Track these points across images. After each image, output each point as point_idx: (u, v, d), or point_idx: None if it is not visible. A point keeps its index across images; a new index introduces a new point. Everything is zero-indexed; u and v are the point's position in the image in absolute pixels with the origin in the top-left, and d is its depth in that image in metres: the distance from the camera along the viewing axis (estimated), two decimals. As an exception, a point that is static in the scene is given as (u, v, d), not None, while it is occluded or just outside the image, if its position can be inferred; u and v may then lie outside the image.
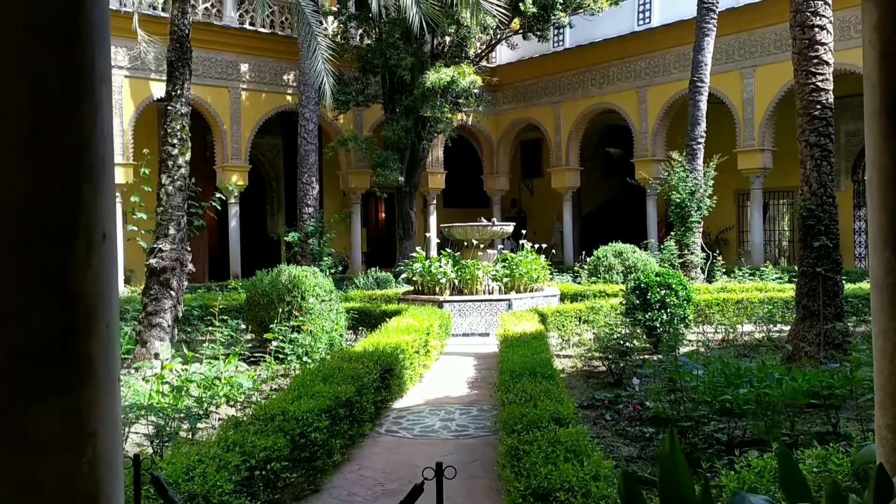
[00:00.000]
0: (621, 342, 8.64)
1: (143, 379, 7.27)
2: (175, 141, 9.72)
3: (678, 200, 16.11)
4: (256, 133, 20.79)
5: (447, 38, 20.12)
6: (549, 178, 25.15)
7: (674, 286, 10.26)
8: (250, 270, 15.50)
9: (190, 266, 9.80)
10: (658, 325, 9.99)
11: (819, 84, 8.77)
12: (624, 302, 10.78)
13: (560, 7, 19.38)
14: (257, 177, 23.28)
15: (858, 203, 20.92)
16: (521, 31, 20.62)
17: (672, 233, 16.64)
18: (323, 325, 9.57)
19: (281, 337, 8.94)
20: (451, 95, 19.05)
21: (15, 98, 1.16)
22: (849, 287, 11.27)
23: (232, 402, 7.22)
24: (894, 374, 2.05)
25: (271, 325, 9.30)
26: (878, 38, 2.08)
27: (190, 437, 5.93)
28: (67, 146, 1.21)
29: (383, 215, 27.40)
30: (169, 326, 9.39)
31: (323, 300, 10.23)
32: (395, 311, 11.20)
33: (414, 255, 14.46)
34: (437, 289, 13.13)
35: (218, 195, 11.38)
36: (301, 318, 9.53)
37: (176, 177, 9.67)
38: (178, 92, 9.85)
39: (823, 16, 8.80)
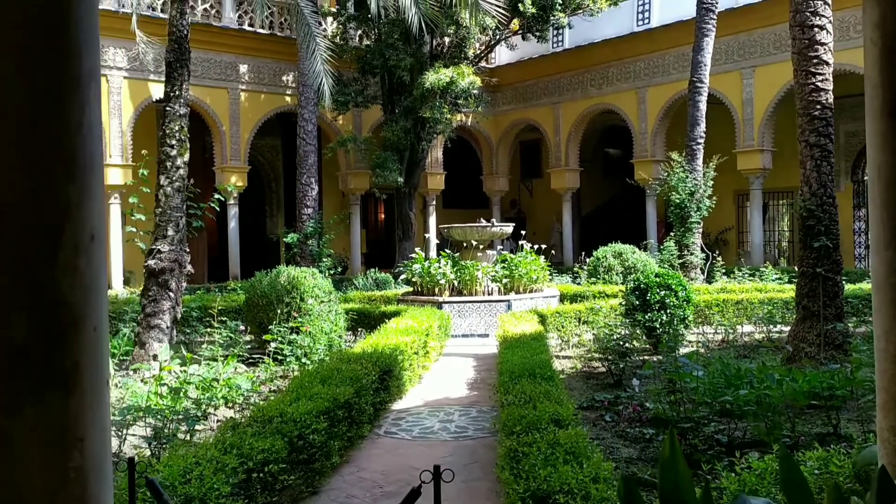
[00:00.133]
0: (621, 343, 8.61)
1: (142, 380, 7.24)
2: (173, 142, 9.70)
3: (678, 201, 16.10)
4: (255, 134, 20.78)
5: (446, 39, 20.11)
6: (548, 178, 25.14)
7: (673, 287, 10.25)
8: (249, 271, 15.49)
9: (189, 267, 9.78)
10: (658, 326, 9.97)
11: (819, 84, 8.75)
12: (623, 303, 10.76)
13: (559, 8, 19.38)
14: (256, 178, 23.26)
15: (858, 203, 20.91)
16: (520, 31, 20.62)
17: (672, 233, 16.63)
18: (322, 327, 9.55)
19: (280, 338, 8.92)
20: (451, 96, 19.05)
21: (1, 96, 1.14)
22: (849, 287, 11.26)
23: (230, 404, 7.20)
24: (896, 376, 2.02)
25: (270, 327, 9.28)
26: (879, 35, 2.05)
27: (188, 439, 5.91)
28: (52, 144, 1.19)
29: (382, 216, 27.38)
30: (167, 328, 9.37)
31: (322, 301, 10.21)
32: (394, 312, 11.18)
33: (413, 255, 14.44)
34: (437, 290, 13.11)
35: (217, 196, 11.36)
36: (300, 320, 9.51)
37: (174, 178, 9.64)
38: (177, 93, 9.82)
39: (823, 16, 8.79)
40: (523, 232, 15.62)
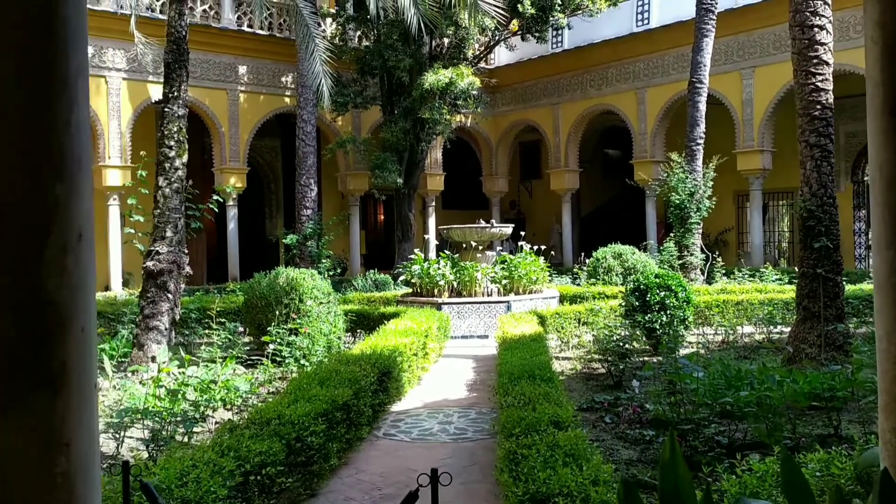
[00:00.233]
0: (621, 344, 8.59)
1: (140, 382, 7.22)
2: (172, 143, 9.68)
3: (677, 202, 16.09)
4: (255, 135, 20.76)
5: (445, 40, 20.09)
6: (548, 179, 25.12)
7: (673, 288, 10.22)
8: (249, 273, 15.47)
9: (187, 269, 9.76)
10: (658, 327, 9.95)
11: (819, 84, 8.74)
12: (623, 304, 10.74)
13: (558, 8, 19.37)
14: (256, 179, 23.24)
15: (859, 204, 20.89)
16: (519, 32, 20.60)
17: (671, 234, 16.62)
18: (321, 328, 9.53)
19: (279, 339, 8.90)
20: (450, 97, 19.04)
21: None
22: (849, 288, 11.24)
23: (229, 406, 7.18)
24: (899, 377, 2.00)
25: (269, 328, 9.26)
26: (880, 34, 2.03)
27: (186, 441, 5.88)
28: (39, 143, 1.17)
29: (382, 217, 27.36)
30: (166, 329, 9.35)
31: (321, 302, 10.19)
32: (393, 314, 11.16)
33: (413, 256, 14.43)
34: (436, 291, 13.09)
35: (216, 197, 11.32)
36: (299, 321, 9.49)
37: (173, 179, 9.62)
38: (175, 94, 9.80)
39: (823, 16, 8.77)
40: (523, 233, 15.61)
